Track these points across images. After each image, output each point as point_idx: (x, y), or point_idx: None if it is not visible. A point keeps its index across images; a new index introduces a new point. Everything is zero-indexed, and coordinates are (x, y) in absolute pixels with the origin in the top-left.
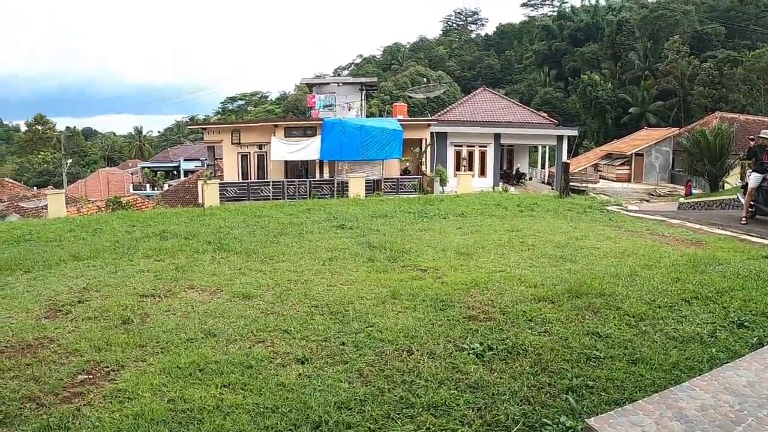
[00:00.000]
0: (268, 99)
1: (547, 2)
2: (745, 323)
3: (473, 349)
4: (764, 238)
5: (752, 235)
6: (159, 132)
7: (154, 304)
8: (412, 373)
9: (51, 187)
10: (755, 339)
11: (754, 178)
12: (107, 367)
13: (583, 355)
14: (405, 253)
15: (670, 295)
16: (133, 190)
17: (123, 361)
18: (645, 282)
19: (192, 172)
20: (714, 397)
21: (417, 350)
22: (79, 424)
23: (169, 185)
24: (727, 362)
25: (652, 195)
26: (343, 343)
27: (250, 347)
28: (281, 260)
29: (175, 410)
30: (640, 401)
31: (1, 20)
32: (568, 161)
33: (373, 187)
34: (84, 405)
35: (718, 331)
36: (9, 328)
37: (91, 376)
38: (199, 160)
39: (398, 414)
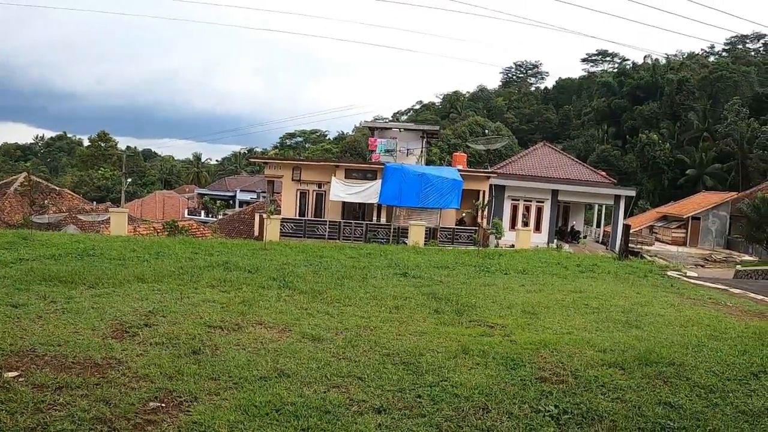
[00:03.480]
0: (327, 138)
1: (607, 59)
2: None
3: (549, 411)
4: None
5: None
6: (217, 161)
7: (223, 337)
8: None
9: (110, 203)
10: None
11: None
12: (180, 396)
13: (657, 425)
14: (471, 307)
15: (738, 368)
16: (188, 214)
17: (196, 392)
18: (712, 353)
19: (247, 203)
20: None
21: (494, 409)
22: None
23: (224, 214)
24: None
25: (708, 260)
26: (419, 396)
27: (325, 391)
28: (347, 304)
29: None
30: None
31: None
32: (629, 223)
33: (429, 235)
34: None
35: None
36: (75, 344)
37: (163, 405)
38: (255, 192)
39: None
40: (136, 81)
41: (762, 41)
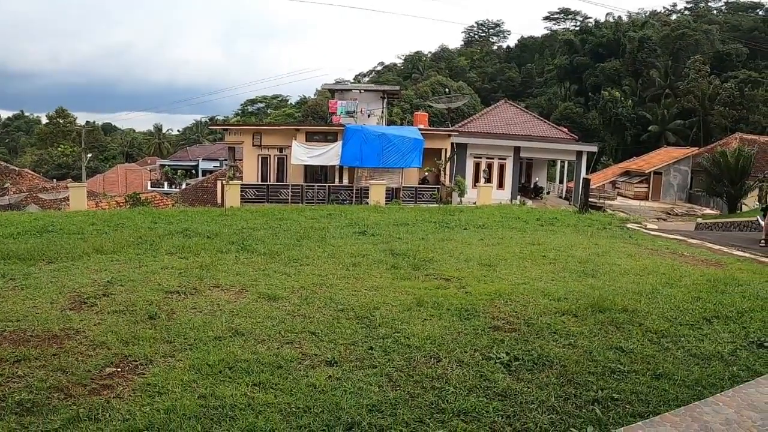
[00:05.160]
0: (288, 103)
1: (569, 17)
2: (765, 344)
3: (500, 358)
4: None
5: None
6: (178, 131)
7: (180, 301)
8: (441, 380)
9: (70, 180)
10: None
11: None
12: (135, 361)
13: (607, 369)
14: (428, 261)
15: (691, 314)
16: (151, 187)
17: (151, 355)
18: (666, 300)
19: (210, 171)
20: (737, 413)
21: (445, 358)
22: (109, 416)
23: (188, 184)
24: (749, 380)
25: (669, 214)
26: (371, 348)
27: (278, 348)
28: (305, 263)
29: (206, 407)
30: (666, 414)
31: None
32: (589, 177)
33: (391, 195)
34: (113, 398)
35: (738, 351)
36: (34, 317)
37: (119, 369)
38: (217, 160)
39: (429, 418)
40: (92, 55)
41: (724, 0)
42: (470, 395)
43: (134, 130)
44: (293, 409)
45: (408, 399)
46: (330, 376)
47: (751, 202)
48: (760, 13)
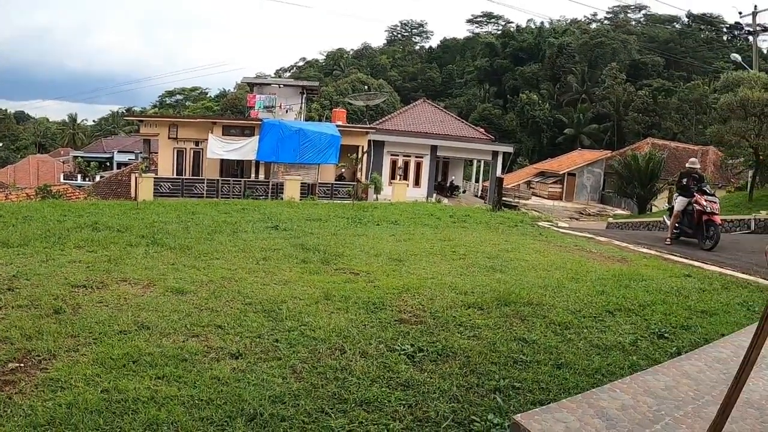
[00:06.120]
0: (208, 96)
1: (492, 20)
2: (665, 334)
3: (404, 350)
4: (686, 258)
5: (675, 255)
6: (94, 121)
7: (86, 295)
8: (345, 371)
9: None
10: (674, 349)
11: (680, 202)
12: (39, 356)
13: (510, 359)
14: (338, 256)
15: (594, 307)
16: (64, 179)
17: (55, 350)
18: (571, 294)
19: (125, 164)
20: (634, 399)
21: (349, 349)
22: (11, 412)
23: (102, 176)
24: (647, 369)
25: (582, 214)
26: (277, 340)
27: (184, 341)
28: (215, 257)
29: (109, 400)
30: (564, 400)
31: None
32: (502, 176)
33: (307, 191)
34: (15, 393)
35: (639, 341)
36: None
37: (22, 365)
38: (133, 152)
39: (331, 408)
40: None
41: (643, 12)
42: (373, 386)
43: (48, 120)
44: (196, 401)
45: (311, 390)
46: (234, 368)
47: (660, 203)
48: (677, 26)
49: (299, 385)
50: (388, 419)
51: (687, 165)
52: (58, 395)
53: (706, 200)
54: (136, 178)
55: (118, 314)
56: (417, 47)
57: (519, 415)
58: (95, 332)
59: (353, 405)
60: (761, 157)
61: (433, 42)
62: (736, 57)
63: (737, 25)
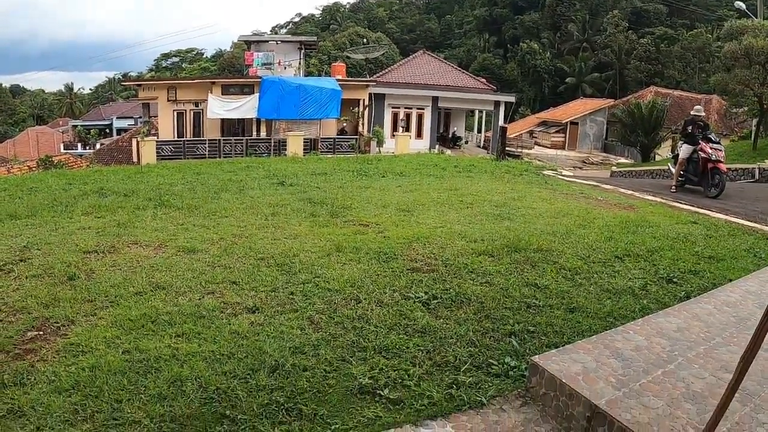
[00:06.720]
0: (204, 56)
1: None
2: (674, 279)
3: (419, 297)
4: (692, 206)
5: (681, 203)
6: (90, 89)
7: (99, 260)
8: (362, 320)
9: None
10: (683, 293)
11: (685, 150)
12: (57, 323)
13: (523, 304)
14: (346, 209)
15: (603, 253)
16: (64, 149)
17: (72, 316)
18: (580, 240)
19: (125, 130)
20: (647, 340)
21: (364, 299)
22: (35, 379)
23: (102, 144)
24: (657, 312)
25: (585, 162)
26: (292, 293)
27: (200, 299)
28: (224, 216)
29: (131, 361)
30: (579, 342)
31: None
32: (506, 126)
33: (310, 146)
34: (38, 361)
35: (648, 285)
36: None
37: (41, 333)
38: (132, 118)
39: (351, 356)
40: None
41: None
42: (390, 333)
43: (44, 91)
44: (217, 356)
45: (330, 339)
46: (252, 322)
47: (664, 152)
48: None
49: (318, 335)
50: (407, 365)
51: (692, 113)
52: (80, 359)
53: (711, 148)
54: (138, 142)
55: (132, 276)
56: None
57: (537, 356)
58: (111, 295)
59: (372, 352)
60: (765, 106)
61: None
62: (741, 5)
63: None
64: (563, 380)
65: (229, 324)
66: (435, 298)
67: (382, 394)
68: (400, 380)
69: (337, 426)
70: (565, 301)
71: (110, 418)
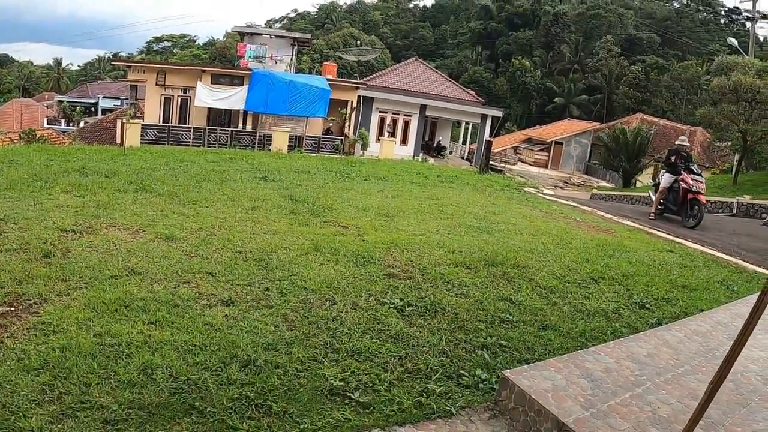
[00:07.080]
0: (196, 43)
1: None
2: (647, 305)
3: (394, 303)
4: (669, 234)
5: (658, 230)
6: (79, 66)
7: (75, 240)
8: (336, 321)
9: None
10: (655, 319)
11: (666, 179)
12: (29, 300)
13: (497, 318)
14: (327, 209)
15: (579, 273)
16: (48, 124)
17: (46, 294)
18: (557, 259)
19: (111, 110)
20: (617, 363)
21: (340, 301)
22: (3, 355)
23: (86, 122)
24: (629, 336)
25: (567, 183)
26: (268, 289)
27: (175, 287)
28: (204, 205)
29: (102, 344)
30: (550, 359)
31: None
32: (491, 140)
33: (295, 143)
34: (7, 337)
35: (621, 309)
36: None
37: (13, 309)
38: (118, 98)
39: (324, 357)
40: None
41: None
42: (364, 337)
43: (32, 63)
44: (190, 346)
45: (303, 338)
46: (227, 315)
47: (645, 179)
48: (675, 4)
49: (292, 333)
50: (379, 370)
51: (676, 143)
52: (50, 339)
53: (692, 179)
54: (123, 124)
55: (108, 259)
56: (411, 5)
57: (508, 371)
58: (86, 277)
59: (345, 355)
60: (748, 142)
61: (428, 1)
62: (733, 41)
63: (736, 10)
64: (533, 396)
65: (203, 315)
66: (410, 305)
67: (352, 396)
68: (371, 384)
69: (306, 425)
70: (538, 319)
71: (78, 401)
